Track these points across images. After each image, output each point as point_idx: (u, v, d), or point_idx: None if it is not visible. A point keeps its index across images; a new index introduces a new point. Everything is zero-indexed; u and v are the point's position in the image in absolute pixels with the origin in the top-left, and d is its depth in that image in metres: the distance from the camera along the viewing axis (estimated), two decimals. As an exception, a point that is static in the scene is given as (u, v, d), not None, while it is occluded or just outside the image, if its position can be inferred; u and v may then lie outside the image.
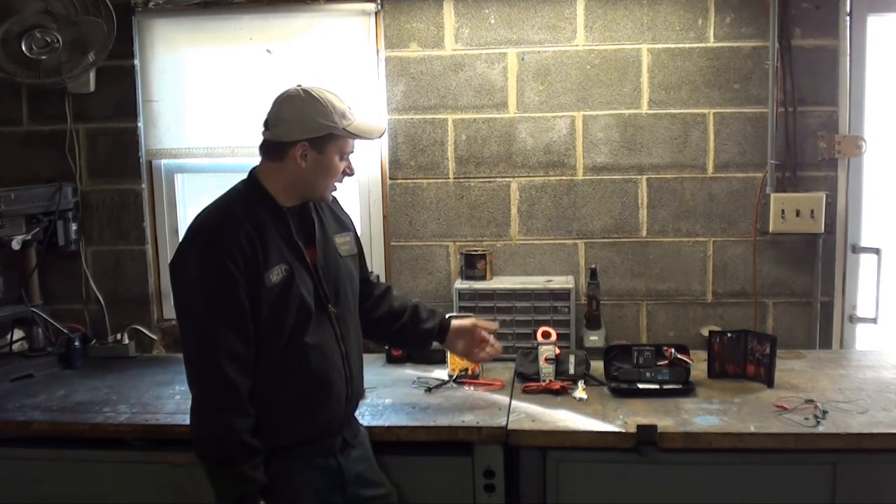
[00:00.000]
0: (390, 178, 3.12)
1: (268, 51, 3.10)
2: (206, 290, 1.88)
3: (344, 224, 2.23)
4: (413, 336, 2.41)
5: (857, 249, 3.01)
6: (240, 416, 1.89)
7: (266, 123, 2.02)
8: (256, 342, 1.93)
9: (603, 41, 2.99)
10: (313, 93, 1.99)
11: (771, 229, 2.93)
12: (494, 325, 2.53)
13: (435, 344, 2.47)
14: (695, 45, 2.97)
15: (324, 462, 2.05)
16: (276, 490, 1.93)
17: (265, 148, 2.04)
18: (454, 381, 2.62)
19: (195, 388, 1.92)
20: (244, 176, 2.12)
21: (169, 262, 2.01)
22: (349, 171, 2.09)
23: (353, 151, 2.09)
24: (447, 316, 2.44)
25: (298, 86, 2.01)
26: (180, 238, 3.14)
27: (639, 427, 2.21)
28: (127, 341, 3.09)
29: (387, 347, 2.87)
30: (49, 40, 2.84)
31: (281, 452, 1.95)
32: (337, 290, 2.10)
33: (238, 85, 3.12)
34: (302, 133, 1.97)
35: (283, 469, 1.94)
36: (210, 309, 1.88)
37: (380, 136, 2.17)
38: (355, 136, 2.04)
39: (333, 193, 2.13)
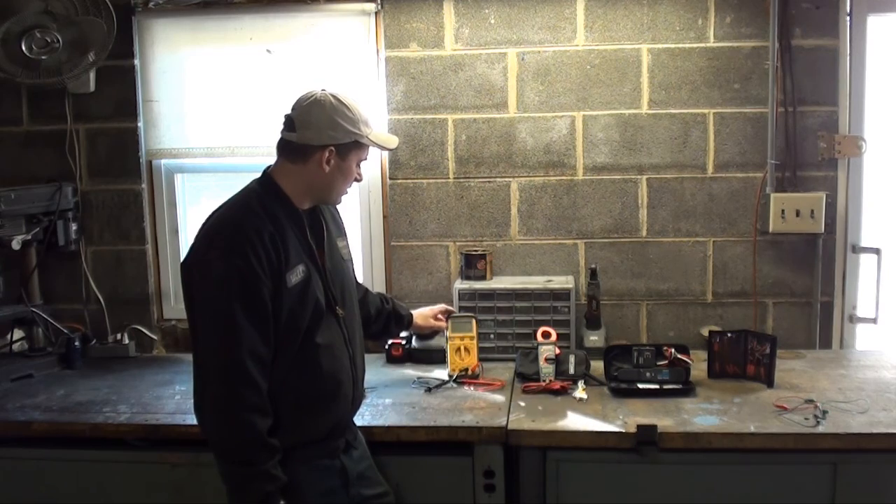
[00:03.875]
0: (390, 178, 3.12)
1: (268, 51, 3.10)
2: (232, 290, 1.86)
3: (341, 229, 2.25)
4: (384, 333, 2.61)
5: (857, 249, 3.01)
6: (262, 416, 1.89)
7: (290, 125, 2.01)
8: (273, 343, 1.93)
9: (603, 41, 2.99)
10: (341, 98, 2.00)
11: (771, 229, 2.93)
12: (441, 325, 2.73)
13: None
14: (695, 45, 2.97)
15: (330, 462, 2.06)
16: (283, 492, 1.93)
17: (287, 149, 2.02)
18: (454, 381, 2.62)
19: (215, 387, 1.89)
20: (244, 176, 2.11)
21: (182, 261, 1.98)
22: (359, 178, 2.12)
23: (366, 159, 2.12)
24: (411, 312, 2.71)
25: (324, 90, 2.02)
26: (181, 238, 3.22)
27: (639, 427, 2.21)
28: (127, 341, 3.09)
29: (387, 347, 2.88)
30: (49, 40, 2.84)
31: (289, 453, 1.95)
32: (343, 292, 2.12)
33: (238, 85, 3.12)
34: (331, 138, 1.99)
35: (290, 470, 1.94)
36: (235, 308, 1.86)
37: (395, 148, 2.25)
38: (377, 145, 2.09)
39: (343, 197, 2.15)
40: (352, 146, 2.02)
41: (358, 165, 2.09)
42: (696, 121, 3.01)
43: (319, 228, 2.10)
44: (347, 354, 2.08)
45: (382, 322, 2.56)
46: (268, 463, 1.88)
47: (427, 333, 2.79)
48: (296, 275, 1.95)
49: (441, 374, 2.67)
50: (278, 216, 1.97)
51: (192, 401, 1.95)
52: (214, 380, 1.89)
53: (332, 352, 2.03)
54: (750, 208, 3.02)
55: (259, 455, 1.87)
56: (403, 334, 2.87)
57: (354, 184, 2.14)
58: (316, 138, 1.98)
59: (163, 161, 3.22)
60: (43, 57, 2.85)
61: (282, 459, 1.92)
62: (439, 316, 2.75)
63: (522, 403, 2.44)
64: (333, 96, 2.00)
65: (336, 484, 2.06)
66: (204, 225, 1.98)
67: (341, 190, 2.10)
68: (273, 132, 2.06)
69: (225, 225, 1.95)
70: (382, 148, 2.15)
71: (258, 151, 3.09)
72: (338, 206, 2.25)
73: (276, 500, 1.89)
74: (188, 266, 1.95)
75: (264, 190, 2.02)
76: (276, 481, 1.88)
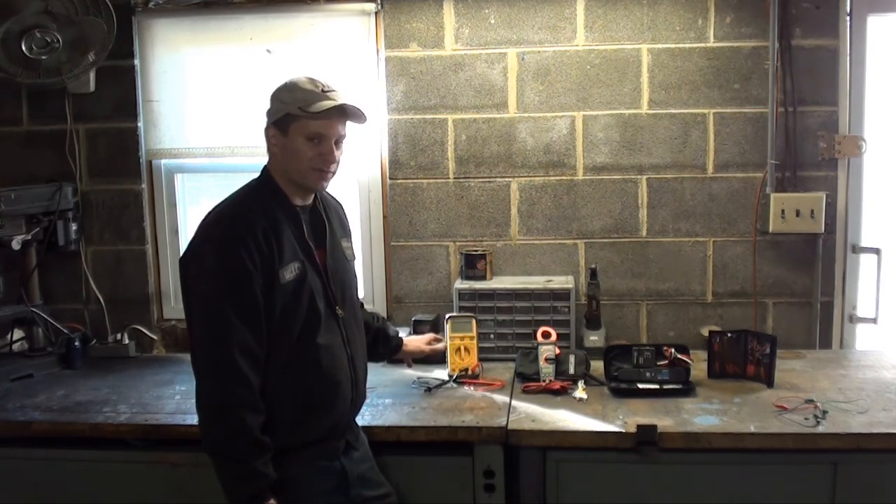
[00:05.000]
0: (390, 178, 3.12)
1: (268, 51, 3.10)
2: (223, 284, 1.87)
3: (347, 230, 2.25)
4: (371, 351, 2.42)
5: (857, 249, 3.01)
6: (253, 413, 1.89)
7: None
8: (267, 341, 1.93)
9: (603, 41, 2.99)
10: (289, 80, 2.02)
11: (771, 229, 2.93)
12: (442, 346, 2.67)
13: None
14: (695, 45, 2.97)
15: (329, 464, 2.06)
16: (283, 491, 1.93)
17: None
18: (454, 381, 2.62)
19: (206, 383, 1.90)
20: (244, 176, 2.13)
21: (180, 257, 1.99)
22: (326, 156, 1.98)
23: (324, 134, 1.97)
24: (402, 337, 2.60)
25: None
26: (181, 238, 3.23)
27: (639, 427, 2.21)
28: (127, 341, 3.09)
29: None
30: (49, 40, 2.84)
31: (287, 454, 1.95)
32: (343, 292, 2.11)
33: (238, 85, 3.12)
34: (270, 116, 2.01)
35: (289, 470, 1.94)
36: (226, 303, 1.87)
37: (337, 112, 1.98)
38: (308, 114, 1.94)
39: (323, 182, 2.04)
40: (287, 120, 1.97)
41: (312, 140, 1.96)
42: (696, 121, 3.01)
43: (322, 228, 2.09)
44: (346, 355, 2.08)
45: (370, 338, 2.41)
46: (258, 460, 1.87)
47: (418, 359, 2.68)
48: (290, 271, 1.95)
49: (441, 374, 2.67)
50: (275, 213, 1.98)
51: (192, 400, 1.95)
52: (205, 375, 1.90)
53: (331, 352, 2.03)
54: (750, 208, 3.02)
55: (249, 452, 1.87)
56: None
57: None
58: (265, 122, 2.03)
59: (163, 161, 3.22)
60: (43, 57, 2.85)
61: (281, 459, 1.92)
62: (432, 343, 2.67)
63: (522, 403, 2.44)
64: (289, 80, 2.02)
65: (335, 485, 2.06)
66: (201, 222, 2.00)
67: (299, 169, 1.98)
68: (273, 132, 2.07)
69: (220, 220, 1.97)
70: (317, 116, 1.94)
71: (258, 151, 3.04)
72: (344, 209, 2.26)
73: (267, 497, 1.89)
74: (184, 261, 1.97)
75: (261, 187, 2.04)
76: (266, 479, 1.88)
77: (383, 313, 3.16)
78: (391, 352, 2.55)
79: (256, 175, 2.09)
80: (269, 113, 2.02)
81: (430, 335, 2.72)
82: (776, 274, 3.04)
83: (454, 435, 2.28)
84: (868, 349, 2.99)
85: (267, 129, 2.02)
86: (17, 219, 2.89)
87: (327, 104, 1.96)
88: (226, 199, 2.03)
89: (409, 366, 2.66)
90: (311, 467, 2.02)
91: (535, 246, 3.11)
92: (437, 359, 2.74)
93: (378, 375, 2.69)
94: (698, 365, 2.62)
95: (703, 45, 2.97)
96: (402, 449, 2.31)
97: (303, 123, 1.97)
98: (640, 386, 2.51)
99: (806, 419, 2.25)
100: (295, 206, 2.03)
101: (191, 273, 1.94)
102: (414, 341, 2.65)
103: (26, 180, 3.04)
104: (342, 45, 3.08)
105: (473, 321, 2.73)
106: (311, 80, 2.01)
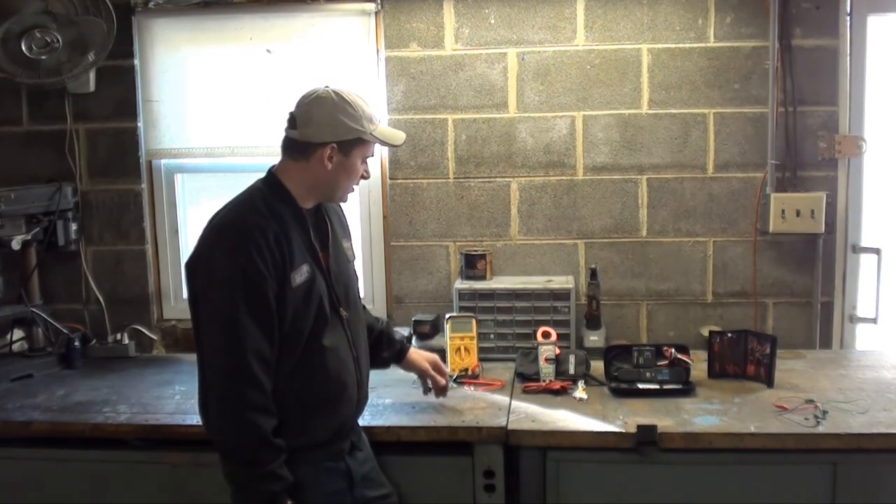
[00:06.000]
0: (390, 178, 3.12)
1: (268, 51, 3.10)
2: (238, 290, 1.86)
3: (346, 229, 2.24)
4: (374, 354, 2.34)
5: (857, 249, 3.01)
6: (267, 416, 1.88)
7: (292, 122, 2.00)
8: (278, 343, 1.93)
9: (603, 41, 3.00)
10: (344, 95, 1.99)
11: (771, 229, 2.93)
12: (444, 381, 2.45)
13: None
14: (695, 45, 2.97)
15: (334, 464, 2.06)
16: (292, 494, 1.92)
17: (290, 146, 2.02)
18: (454, 381, 2.62)
19: (218, 388, 1.89)
20: (244, 175, 2.11)
21: (187, 261, 1.97)
22: (366, 175, 2.10)
23: (372, 155, 2.10)
24: (409, 343, 2.57)
25: (327, 87, 2.01)
26: (181, 238, 3.23)
27: (639, 427, 2.21)
28: (127, 341, 3.09)
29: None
30: (49, 40, 2.84)
31: (294, 455, 1.94)
32: (347, 293, 2.11)
33: (238, 85, 3.12)
34: (332, 135, 1.97)
35: (296, 472, 1.93)
36: (241, 308, 1.85)
37: (401, 144, 2.19)
38: (382, 141, 2.07)
39: (349, 195, 2.13)
40: (354, 143, 2.00)
41: (364, 162, 2.07)
42: (696, 121, 3.01)
43: (324, 229, 2.09)
44: (352, 356, 2.08)
45: (373, 340, 2.34)
46: (273, 463, 1.87)
47: (415, 370, 2.48)
48: (300, 275, 1.95)
49: (441, 374, 2.67)
50: (283, 216, 1.97)
51: (192, 401, 1.95)
52: (219, 380, 1.89)
53: (337, 354, 2.02)
54: (750, 208, 3.02)
55: (264, 455, 1.87)
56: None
57: (361, 181, 2.12)
58: (317, 135, 1.97)
59: (163, 161, 3.22)
60: (43, 57, 2.85)
61: (288, 462, 1.92)
62: (432, 371, 2.45)
63: (522, 403, 2.44)
64: (335, 93, 1.98)
65: (341, 486, 2.06)
66: (208, 224, 1.97)
67: (346, 188, 2.07)
68: (273, 132, 2.06)
69: (230, 225, 1.94)
70: (387, 144, 2.12)
71: (258, 151, 3.09)
72: (342, 206, 2.25)
73: (283, 500, 1.89)
74: (193, 266, 1.95)
75: (269, 189, 2.01)
76: (282, 481, 1.88)
77: (383, 313, 3.17)
78: (395, 357, 2.43)
79: (257, 175, 2.07)
80: (330, 131, 1.96)
81: (434, 357, 2.50)
82: (776, 274, 3.04)
83: (454, 435, 2.28)
84: (868, 349, 2.99)
85: (322, 146, 1.97)
86: (17, 219, 2.89)
87: (400, 136, 2.14)
88: (232, 202, 2.01)
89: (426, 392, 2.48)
90: (318, 468, 2.02)
91: (535, 246, 3.11)
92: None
93: (378, 375, 2.65)
94: (698, 365, 2.62)
95: (703, 45, 2.97)
96: (403, 449, 2.31)
97: (367, 146, 2.04)
98: (640, 386, 2.51)
99: (806, 419, 2.25)
100: (303, 209, 2.02)
101: (201, 279, 1.92)
102: (416, 353, 2.47)
103: (26, 180, 3.04)
104: (342, 45, 3.08)
105: (473, 321, 2.73)
106: (364, 101, 2.03)
